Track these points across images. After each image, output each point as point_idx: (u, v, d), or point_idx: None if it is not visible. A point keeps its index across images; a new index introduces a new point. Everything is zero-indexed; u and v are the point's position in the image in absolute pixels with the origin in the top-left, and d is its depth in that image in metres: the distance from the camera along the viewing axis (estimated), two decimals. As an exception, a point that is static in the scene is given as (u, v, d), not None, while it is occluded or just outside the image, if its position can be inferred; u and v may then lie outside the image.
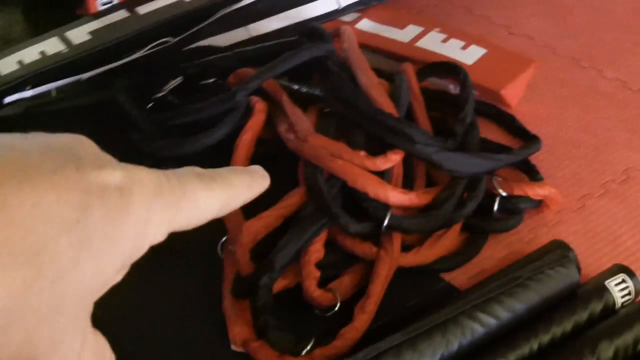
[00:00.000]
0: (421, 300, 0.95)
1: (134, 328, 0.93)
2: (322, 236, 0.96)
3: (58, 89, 1.27)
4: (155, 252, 1.02)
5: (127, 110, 1.18)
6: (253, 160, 1.08)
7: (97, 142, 1.17)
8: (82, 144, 0.54)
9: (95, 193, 0.50)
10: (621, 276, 0.89)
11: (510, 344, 0.81)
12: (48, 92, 1.27)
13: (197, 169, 0.62)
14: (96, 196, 0.50)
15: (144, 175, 0.55)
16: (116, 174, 0.52)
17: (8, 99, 1.23)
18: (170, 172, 0.58)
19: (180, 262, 1.02)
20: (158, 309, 0.97)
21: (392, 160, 1.02)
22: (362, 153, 1.01)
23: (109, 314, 0.96)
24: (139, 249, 0.55)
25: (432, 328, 0.80)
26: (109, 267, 0.53)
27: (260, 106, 1.12)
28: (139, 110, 1.18)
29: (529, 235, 1.04)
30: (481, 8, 1.59)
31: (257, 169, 0.73)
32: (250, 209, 1.02)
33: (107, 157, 0.55)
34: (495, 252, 1.01)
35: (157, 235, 0.57)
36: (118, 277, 0.58)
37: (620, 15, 1.55)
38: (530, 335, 0.82)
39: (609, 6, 1.58)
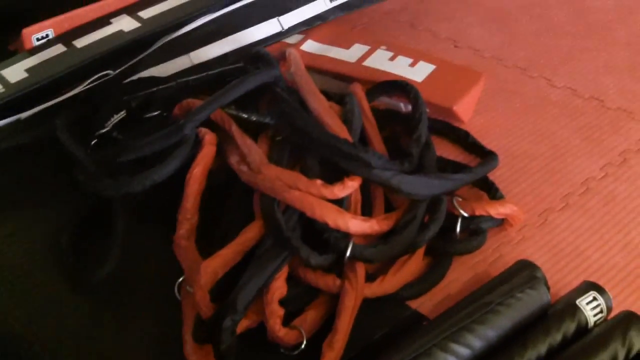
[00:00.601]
0: (389, 330, 0.92)
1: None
2: (284, 271, 0.93)
3: (-4, 129, 1.23)
4: (108, 294, 1.00)
5: (70, 149, 1.14)
6: (205, 194, 1.05)
7: (39, 183, 1.14)
8: None
9: None
10: (592, 294, 0.87)
11: (486, 374, 0.79)
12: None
13: None
14: None
15: None
16: None
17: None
18: None
19: (135, 305, 0.99)
20: (113, 356, 0.93)
21: (350, 187, 0.99)
22: (319, 182, 0.98)
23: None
24: None
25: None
26: None
27: (209, 138, 1.08)
28: (83, 149, 1.14)
29: (493, 255, 1.02)
30: (424, 22, 1.57)
31: None
32: (207, 246, 1.00)
33: None
34: (461, 275, 0.99)
35: None
36: None
37: (563, 21, 1.55)
38: (506, 363, 0.80)
39: (551, 14, 1.58)
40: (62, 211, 1.12)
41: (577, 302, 0.86)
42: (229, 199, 1.07)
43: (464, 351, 0.80)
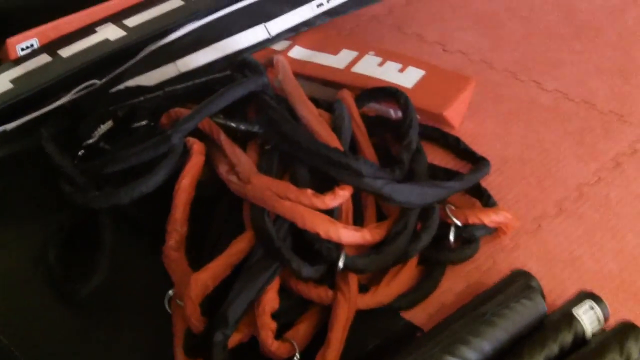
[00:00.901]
0: (383, 342, 0.91)
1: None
2: (275, 283, 0.92)
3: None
4: (96, 307, 0.99)
5: (56, 160, 1.13)
6: (194, 204, 1.04)
7: (26, 195, 1.12)
8: None
9: None
10: (588, 303, 0.86)
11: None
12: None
13: None
14: None
15: None
16: None
17: None
18: None
19: (124, 318, 0.98)
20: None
21: (341, 196, 0.98)
22: (309, 191, 0.97)
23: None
24: None
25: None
26: None
27: (198, 148, 1.07)
28: (69, 161, 1.12)
29: (486, 263, 1.00)
30: (411, 25, 1.56)
31: None
32: (196, 257, 0.99)
33: None
34: (454, 284, 0.98)
35: None
36: None
37: (551, 24, 1.54)
38: (502, 376, 0.79)
39: (539, 16, 1.57)
40: (49, 223, 1.10)
41: (574, 311, 0.85)
42: (217, 208, 1.06)
43: (459, 364, 0.79)
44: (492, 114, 1.28)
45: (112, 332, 0.96)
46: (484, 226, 1.02)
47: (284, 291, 0.94)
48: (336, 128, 1.09)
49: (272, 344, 0.87)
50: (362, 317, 0.92)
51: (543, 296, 0.89)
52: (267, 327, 0.88)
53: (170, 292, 0.95)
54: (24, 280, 1.04)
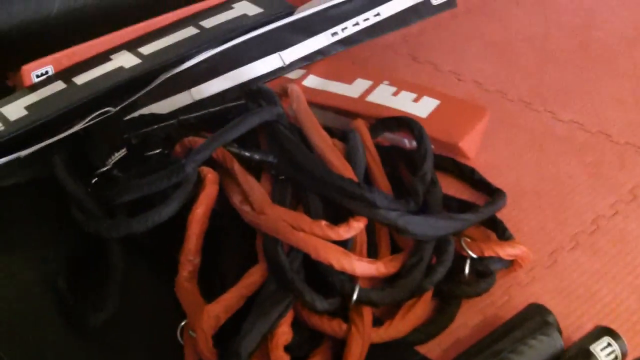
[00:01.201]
0: (398, 378, 0.90)
1: None
2: (289, 316, 0.91)
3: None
4: (106, 338, 0.98)
5: (68, 188, 1.12)
6: (207, 234, 1.03)
7: (37, 222, 1.12)
8: None
9: None
10: (606, 340, 0.85)
11: None
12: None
13: None
14: None
15: None
16: None
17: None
18: None
19: (135, 348, 0.97)
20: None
21: (355, 228, 0.97)
22: (323, 223, 0.96)
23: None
24: None
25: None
26: None
27: (212, 177, 1.07)
28: (82, 188, 1.12)
29: (502, 298, 0.99)
30: (425, 54, 1.56)
31: None
32: (209, 289, 0.98)
33: None
34: (469, 318, 0.97)
35: None
36: None
37: (566, 53, 1.53)
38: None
39: (554, 45, 1.56)
40: (60, 250, 1.10)
41: (591, 348, 0.84)
42: (229, 238, 1.05)
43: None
44: (507, 144, 1.28)
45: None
46: (499, 259, 1.00)
47: (296, 324, 0.92)
48: (350, 158, 1.08)
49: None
50: (376, 351, 0.91)
51: (560, 331, 0.88)
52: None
53: (183, 323, 0.94)
54: (34, 309, 1.03)
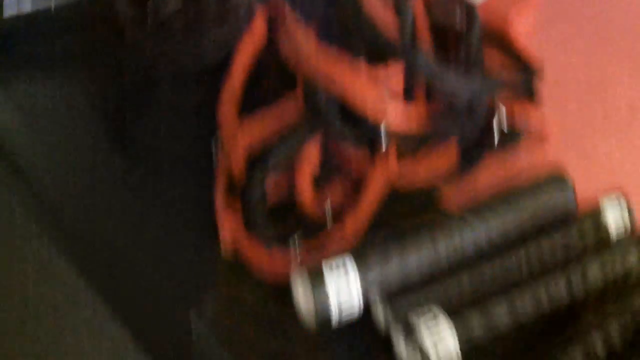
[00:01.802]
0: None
1: (122, 232, 0.92)
2: (316, 140, 0.94)
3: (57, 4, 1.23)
4: (144, 152, 1.01)
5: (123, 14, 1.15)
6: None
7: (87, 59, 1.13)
8: None
9: None
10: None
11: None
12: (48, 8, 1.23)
13: None
14: None
15: None
16: None
17: (8, 13, 1.21)
18: None
19: (169, 165, 1.02)
20: (147, 214, 0.95)
21: (394, 70, 0.99)
22: (363, 63, 0.98)
23: (98, 218, 0.95)
24: None
25: (420, 226, 0.81)
26: None
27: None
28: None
29: (525, 163, 1.02)
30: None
31: None
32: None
33: None
34: (489, 178, 1.00)
35: None
36: None
37: None
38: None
39: None
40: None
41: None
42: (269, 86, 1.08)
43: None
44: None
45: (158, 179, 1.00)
46: (527, 127, 1.03)
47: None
48: (399, 12, 1.10)
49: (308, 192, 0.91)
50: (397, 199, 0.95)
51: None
52: (306, 174, 0.92)
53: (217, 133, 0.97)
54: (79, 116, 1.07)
